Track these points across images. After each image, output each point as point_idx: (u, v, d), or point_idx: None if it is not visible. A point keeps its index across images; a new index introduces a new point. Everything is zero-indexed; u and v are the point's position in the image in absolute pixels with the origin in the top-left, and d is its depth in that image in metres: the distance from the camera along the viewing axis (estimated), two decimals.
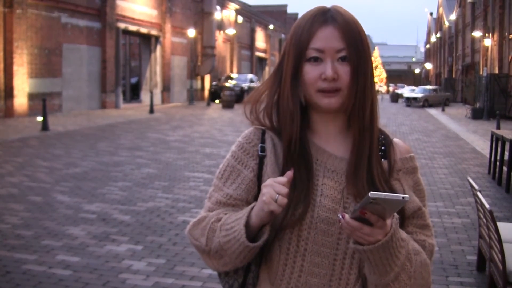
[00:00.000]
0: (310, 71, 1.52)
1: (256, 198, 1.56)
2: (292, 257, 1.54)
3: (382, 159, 1.58)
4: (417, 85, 70.24)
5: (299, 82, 1.55)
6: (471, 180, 5.42)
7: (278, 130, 1.61)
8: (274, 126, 1.63)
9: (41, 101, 17.75)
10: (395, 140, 1.65)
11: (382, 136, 1.62)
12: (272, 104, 1.63)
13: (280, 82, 1.60)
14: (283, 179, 1.43)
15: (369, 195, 1.26)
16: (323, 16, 1.53)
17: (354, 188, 1.52)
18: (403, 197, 1.27)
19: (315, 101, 1.53)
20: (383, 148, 1.60)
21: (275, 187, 1.41)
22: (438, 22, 77.00)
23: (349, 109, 1.55)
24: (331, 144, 1.60)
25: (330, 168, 1.57)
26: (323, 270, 1.53)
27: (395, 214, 1.39)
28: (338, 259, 1.53)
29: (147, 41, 33.97)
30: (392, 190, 1.54)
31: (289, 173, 1.46)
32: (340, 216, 1.37)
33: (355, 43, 1.51)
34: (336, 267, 1.53)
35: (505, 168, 9.98)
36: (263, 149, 1.61)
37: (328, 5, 1.59)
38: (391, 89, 73.07)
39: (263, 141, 1.62)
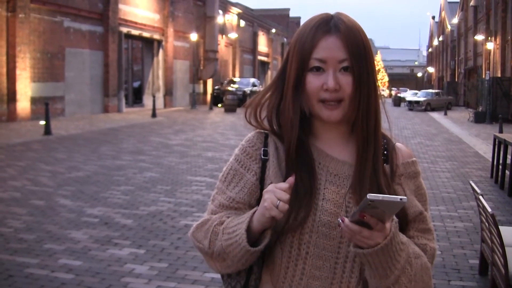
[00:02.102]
0: (312, 81, 1.52)
1: (258, 201, 1.57)
2: (294, 260, 1.55)
3: (384, 164, 1.59)
4: (419, 88, 70.14)
5: (301, 91, 1.55)
6: (473, 184, 5.42)
7: (281, 134, 1.62)
8: (275, 130, 1.65)
9: (43, 105, 17.77)
10: (398, 144, 1.66)
11: (385, 141, 1.63)
12: (273, 109, 1.64)
13: (283, 88, 1.60)
14: (284, 185, 1.44)
15: (367, 197, 1.26)
16: (326, 25, 1.52)
17: (357, 194, 1.52)
18: (400, 199, 1.27)
19: (317, 112, 1.54)
20: (385, 152, 1.61)
21: (276, 193, 1.42)
22: (440, 26, 76.97)
23: (352, 119, 1.55)
24: (333, 148, 1.61)
25: (332, 172, 1.57)
26: (325, 273, 1.54)
27: (395, 217, 1.40)
28: (340, 263, 1.54)
29: (150, 45, 34.02)
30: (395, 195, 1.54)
31: (291, 179, 1.47)
32: (340, 220, 1.38)
33: (358, 53, 1.50)
34: (338, 270, 1.54)
35: (507, 172, 9.97)
36: (265, 153, 1.62)
37: (331, 11, 1.59)
38: (393, 93, 73.06)
39: (266, 145, 1.63)
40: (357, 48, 1.50)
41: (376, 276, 1.44)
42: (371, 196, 1.26)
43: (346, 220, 1.37)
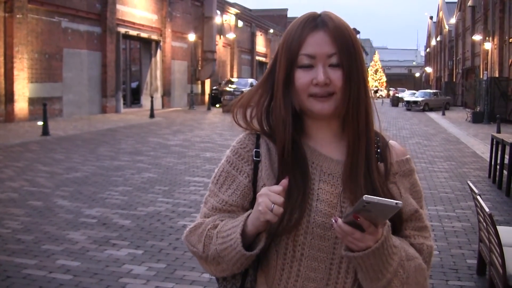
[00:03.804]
0: (302, 77, 1.51)
1: (251, 203, 1.57)
2: (289, 262, 1.54)
3: (378, 162, 1.58)
4: (417, 89, 70.20)
5: (291, 89, 1.54)
6: (471, 184, 5.43)
7: (272, 134, 1.61)
8: (265, 130, 1.63)
9: (41, 106, 17.77)
10: (391, 142, 1.64)
11: (378, 139, 1.61)
12: (262, 109, 1.62)
13: (272, 87, 1.59)
14: (278, 188, 1.43)
15: (363, 198, 1.26)
16: (313, 22, 1.53)
17: (352, 194, 1.51)
18: (396, 203, 1.27)
19: (308, 107, 1.53)
20: (378, 150, 1.59)
21: (270, 197, 1.41)
22: (438, 26, 77.02)
23: (343, 114, 1.54)
24: (326, 147, 1.59)
25: (326, 172, 1.56)
26: (320, 274, 1.53)
27: (387, 221, 1.39)
28: (335, 264, 1.53)
29: (148, 46, 34.00)
30: (390, 194, 1.53)
31: (284, 182, 1.46)
32: (333, 220, 1.38)
33: (347, 48, 1.50)
34: (333, 271, 1.53)
35: (505, 172, 9.97)
36: (257, 154, 1.60)
37: (320, 10, 1.59)
38: (391, 93, 73.10)
39: (257, 146, 1.62)
40: (346, 43, 1.50)
41: (367, 279, 1.44)
42: (367, 197, 1.26)
43: (339, 220, 1.37)
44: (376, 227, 1.36)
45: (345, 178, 1.53)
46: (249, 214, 1.49)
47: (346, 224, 1.36)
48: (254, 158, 1.60)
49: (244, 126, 1.66)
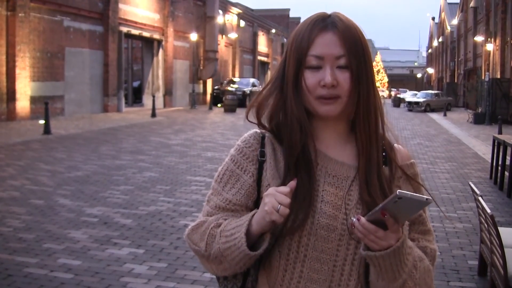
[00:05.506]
0: (309, 78, 1.50)
1: (255, 203, 1.56)
2: (292, 263, 1.54)
3: (383, 165, 1.58)
4: (419, 89, 70.10)
5: (299, 89, 1.54)
6: (472, 185, 5.42)
7: (278, 134, 1.60)
8: (273, 130, 1.62)
9: (43, 105, 17.77)
10: (396, 146, 1.64)
11: (383, 142, 1.61)
12: (274, 109, 1.61)
13: (282, 87, 1.58)
14: (285, 189, 1.43)
15: (397, 193, 1.26)
16: (322, 22, 1.52)
17: (368, 196, 1.50)
18: (426, 199, 1.28)
19: (314, 108, 1.52)
20: (384, 154, 1.59)
21: (277, 197, 1.41)
22: (440, 27, 76.92)
23: (352, 116, 1.54)
24: (332, 149, 1.59)
25: (331, 173, 1.56)
26: (323, 276, 1.53)
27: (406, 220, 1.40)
28: (338, 266, 1.53)
29: (150, 45, 34.00)
30: None
31: (292, 183, 1.45)
32: (355, 219, 1.37)
33: (355, 50, 1.49)
34: (336, 273, 1.53)
35: (506, 173, 9.97)
36: (262, 154, 1.59)
37: (329, 11, 1.58)
38: (393, 93, 73.05)
39: (262, 145, 1.61)
40: (355, 45, 1.49)
41: (384, 279, 1.44)
42: (400, 192, 1.26)
43: (363, 218, 1.36)
44: (398, 225, 1.36)
45: (362, 181, 1.53)
46: (253, 214, 1.48)
47: (369, 222, 1.35)
48: (259, 158, 1.59)
49: (257, 125, 1.65)
